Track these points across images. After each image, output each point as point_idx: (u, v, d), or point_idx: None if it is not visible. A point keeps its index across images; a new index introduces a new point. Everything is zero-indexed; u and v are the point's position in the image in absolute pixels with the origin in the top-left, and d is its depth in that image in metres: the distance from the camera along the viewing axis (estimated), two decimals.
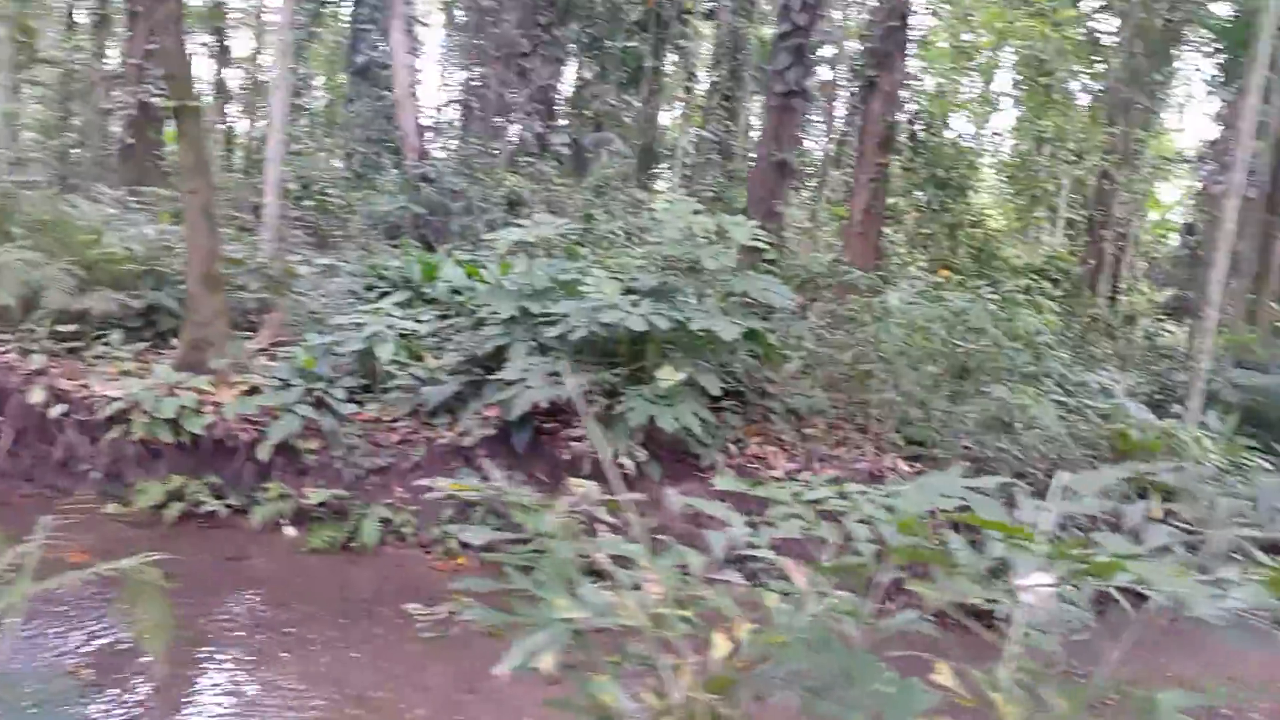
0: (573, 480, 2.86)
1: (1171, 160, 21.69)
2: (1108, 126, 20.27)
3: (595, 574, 2.43)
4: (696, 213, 7.98)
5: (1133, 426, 8.78)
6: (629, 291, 7.97)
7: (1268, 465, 9.37)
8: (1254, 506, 6.26)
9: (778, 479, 7.66)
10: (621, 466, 7.34)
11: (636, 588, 2.46)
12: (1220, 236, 10.18)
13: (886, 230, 14.91)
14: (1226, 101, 20.04)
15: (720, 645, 2.34)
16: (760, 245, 8.21)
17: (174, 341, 8.85)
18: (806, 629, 2.23)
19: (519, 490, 2.71)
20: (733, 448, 8.28)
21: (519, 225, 8.85)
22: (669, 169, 24.74)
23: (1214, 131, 22.43)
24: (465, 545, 7.27)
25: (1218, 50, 18.93)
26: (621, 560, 2.49)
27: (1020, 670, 3.09)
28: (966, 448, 8.31)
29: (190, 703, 5.10)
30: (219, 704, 5.09)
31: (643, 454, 7.44)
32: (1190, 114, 33.01)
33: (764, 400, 8.99)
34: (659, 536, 2.65)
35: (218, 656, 5.60)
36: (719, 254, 7.71)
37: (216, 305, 8.34)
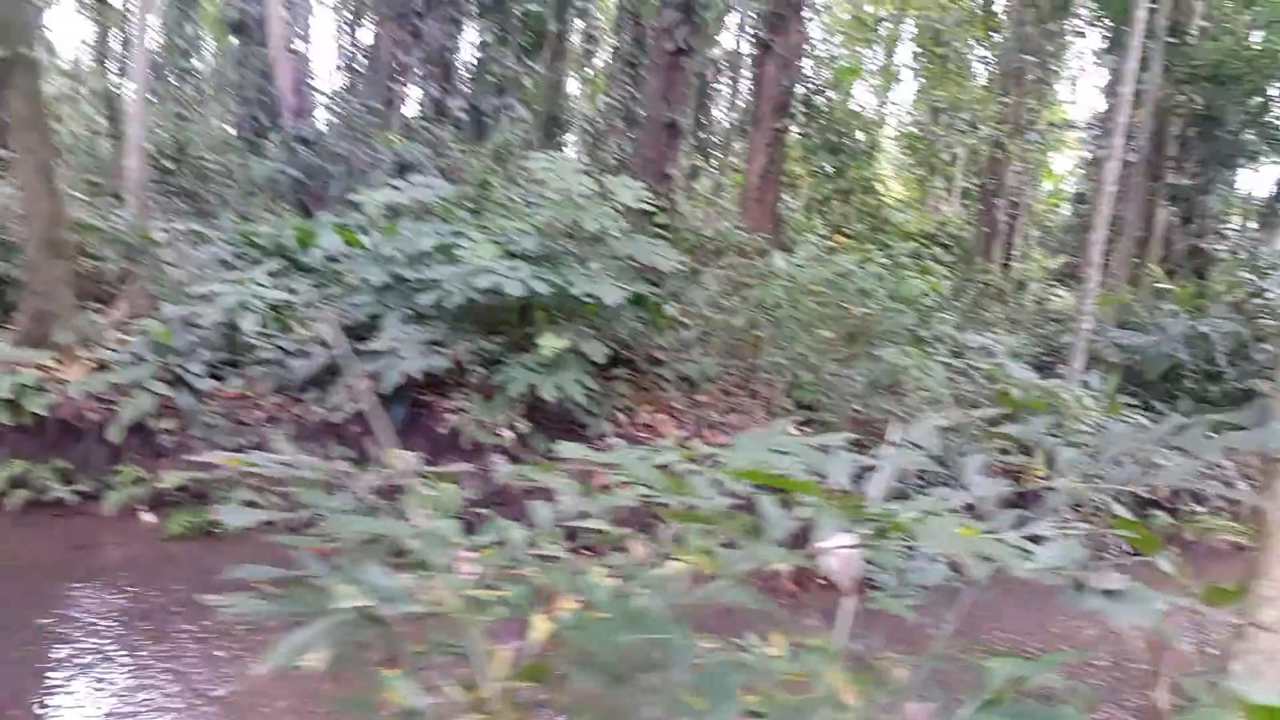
0: (392, 450, 2.57)
1: (1061, 127, 22.17)
2: (1001, 96, 20.60)
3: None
4: (579, 173, 7.65)
5: (1015, 386, 8.85)
6: (511, 256, 7.63)
7: (1145, 422, 9.59)
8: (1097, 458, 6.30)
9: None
10: (502, 439, 7.04)
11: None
12: (1100, 200, 10.33)
13: (784, 196, 14.83)
14: (1113, 71, 20.53)
15: (540, 628, 2.09)
16: (648, 208, 7.95)
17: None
18: (618, 606, 1.97)
19: (309, 461, 2.39)
20: (622, 416, 8.05)
21: (394, 188, 8.39)
22: (574, 136, 24.28)
23: (1103, 103, 23.06)
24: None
25: (1101, 19, 19.35)
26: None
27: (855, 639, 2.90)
28: (855, 410, 8.25)
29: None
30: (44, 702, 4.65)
31: (525, 425, 7.14)
32: (1082, 86, 33.96)
33: (656, 368, 8.78)
34: (484, 510, 2.38)
35: (52, 652, 5.14)
36: (602, 216, 7.42)
37: (60, 274, 7.69)
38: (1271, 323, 11.70)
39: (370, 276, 7.57)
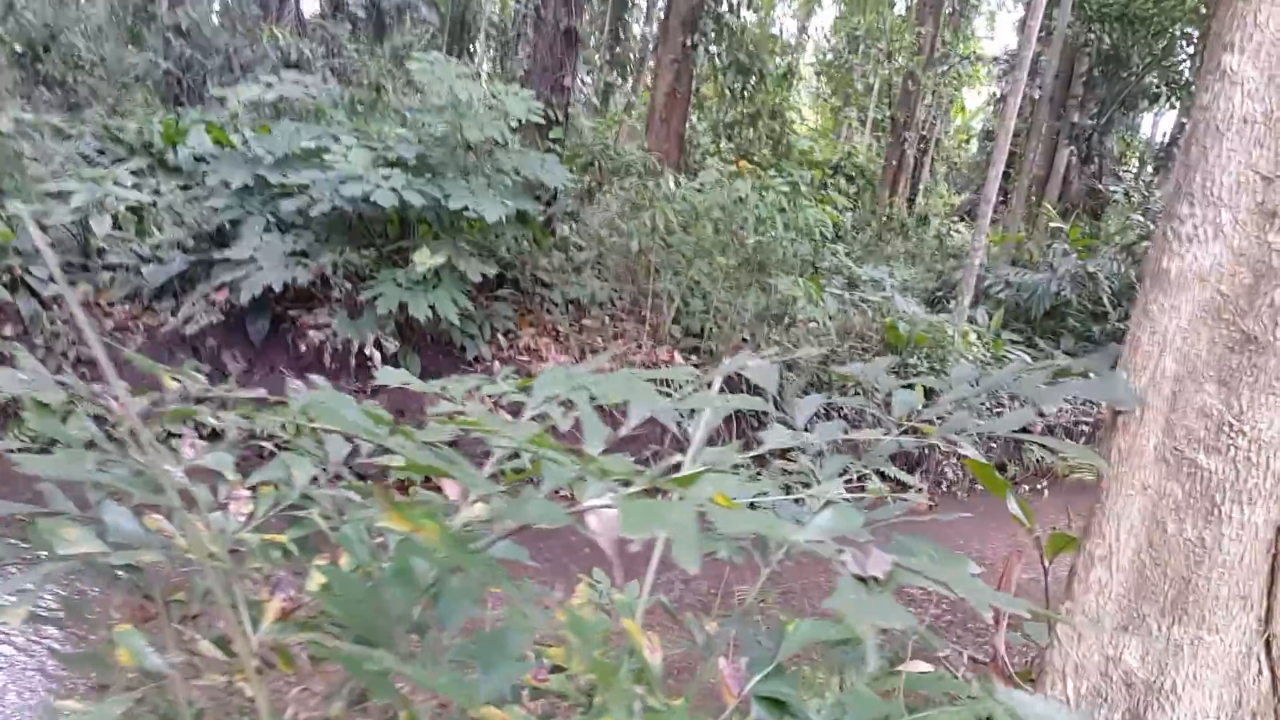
0: (169, 373, 2.26)
1: (973, 61, 22.20)
2: (918, 26, 20.44)
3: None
4: (463, 78, 7.18)
5: (901, 320, 8.85)
6: (388, 164, 7.16)
7: (1028, 359, 9.75)
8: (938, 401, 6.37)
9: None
10: (368, 358, 6.69)
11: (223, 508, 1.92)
12: (1001, 136, 10.30)
13: (692, 118, 14.47)
14: (1026, 5, 20.52)
15: (317, 578, 1.84)
16: (538, 119, 7.54)
17: None
18: (404, 554, 1.72)
19: (47, 379, 2.07)
20: (503, 340, 7.76)
21: (264, 84, 7.78)
22: (483, 43, 23.25)
23: (1017, 39, 23.11)
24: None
25: None
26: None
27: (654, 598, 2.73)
28: (744, 340, 8.13)
29: None
30: None
31: (394, 343, 6.80)
32: (1001, 21, 34.05)
33: (542, 290, 8.47)
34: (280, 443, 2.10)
35: None
36: (486, 125, 6.99)
37: None
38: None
39: (231, 178, 7.03)
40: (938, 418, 2.35)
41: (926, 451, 9.14)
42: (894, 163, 21.60)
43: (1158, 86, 14.35)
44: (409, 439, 1.27)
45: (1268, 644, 1.95)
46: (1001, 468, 9.70)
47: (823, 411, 7.24)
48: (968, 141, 31.91)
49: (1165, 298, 1.93)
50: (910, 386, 2.34)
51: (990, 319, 10.61)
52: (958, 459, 9.42)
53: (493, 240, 7.63)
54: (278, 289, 6.61)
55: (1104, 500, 2.02)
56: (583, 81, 24.23)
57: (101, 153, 9.85)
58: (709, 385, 2.11)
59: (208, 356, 7.03)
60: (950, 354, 8.66)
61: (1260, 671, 1.94)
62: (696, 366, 7.97)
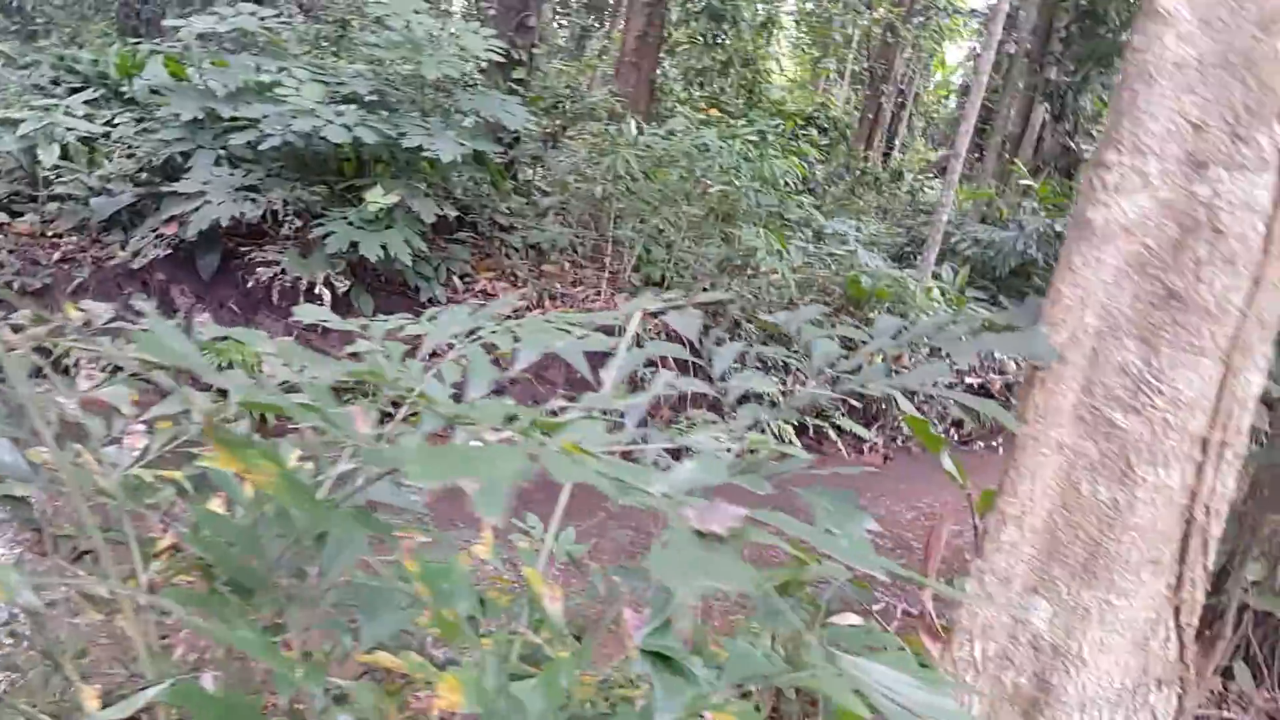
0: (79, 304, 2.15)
1: (952, 13, 21.91)
2: None
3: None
4: (421, 13, 6.96)
5: (865, 274, 8.80)
6: (345, 100, 6.95)
7: (985, 314, 9.76)
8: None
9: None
10: (318, 297, 6.56)
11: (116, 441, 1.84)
12: (974, 91, 10.18)
13: (663, 64, 14.20)
14: None
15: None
16: (497, 57, 7.34)
17: None
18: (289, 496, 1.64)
19: None
20: (459, 282, 7.63)
21: (217, 16, 7.50)
22: None
23: None
24: None
25: None
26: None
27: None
28: (704, 289, 8.05)
29: None
30: None
31: (345, 283, 6.67)
32: None
33: (503, 234, 8.33)
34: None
35: None
36: (444, 63, 6.79)
37: None
38: None
39: (182, 110, 6.80)
40: (857, 369, 2.28)
41: (883, 406, 9.16)
42: (870, 116, 21.40)
43: None
44: (251, 375, 1.20)
45: (1177, 611, 1.92)
46: (959, 424, 9.77)
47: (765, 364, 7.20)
48: (947, 97, 31.64)
49: (1089, 250, 1.87)
50: (834, 337, 2.28)
51: (955, 275, 10.58)
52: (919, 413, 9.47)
53: (449, 181, 7.47)
54: (225, 223, 6.44)
55: (1018, 458, 1.98)
56: (558, 25, 23.74)
57: (56, 83, 9.51)
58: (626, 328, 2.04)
59: (156, 291, 6.87)
60: (911, 309, 8.64)
61: (1168, 639, 1.92)
62: (654, 314, 7.89)
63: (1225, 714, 3.04)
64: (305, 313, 2.65)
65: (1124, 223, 1.83)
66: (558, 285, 8.08)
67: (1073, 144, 14.37)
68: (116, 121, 8.23)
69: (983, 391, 10.16)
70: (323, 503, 1.24)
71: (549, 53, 16.58)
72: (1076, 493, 1.92)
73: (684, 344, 2.25)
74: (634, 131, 7.80)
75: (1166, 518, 1.86)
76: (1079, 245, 1.89)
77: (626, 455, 1.35)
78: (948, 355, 2.01)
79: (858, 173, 18.02)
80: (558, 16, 23.48)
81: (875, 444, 9.11)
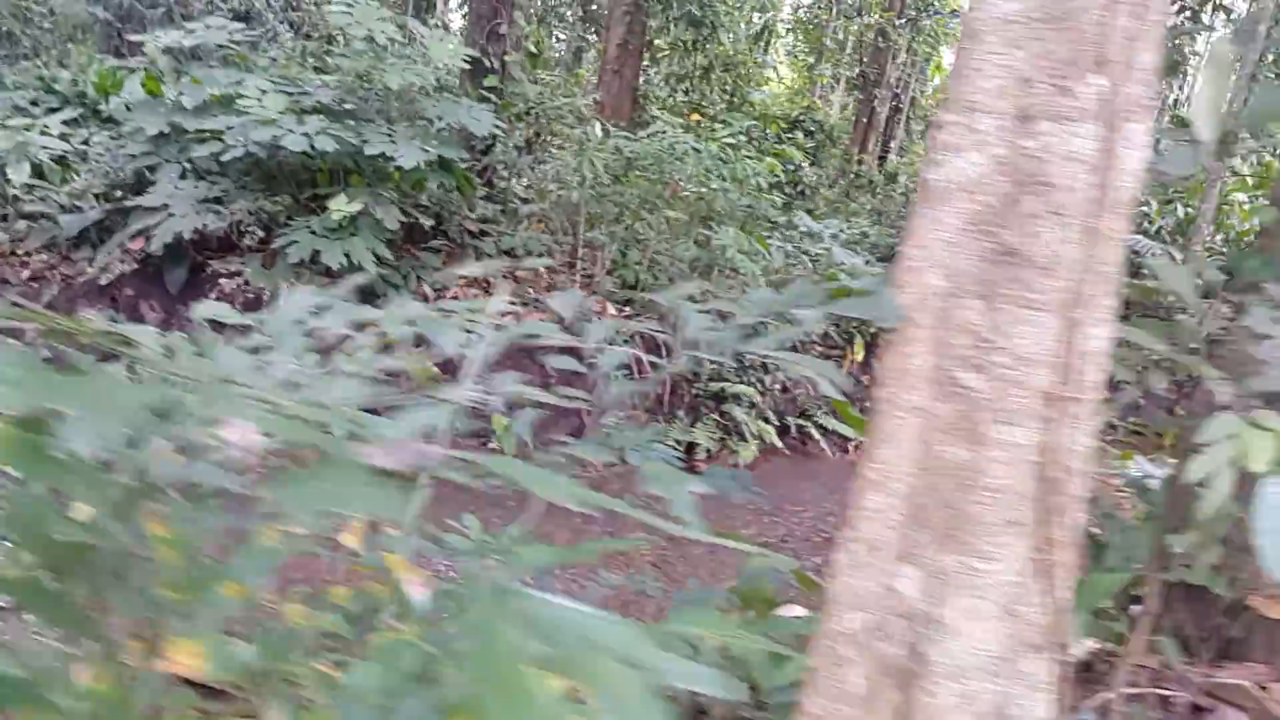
0: None
1: (947, 15, 21.88)
2: None
3: None
4: (384, 20, 7.00)
5: (843, 272, 8.78)
6: (308, 111, 7.00)
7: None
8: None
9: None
10: None
11: None
12: None
13: (649, 71, 14.25)
14: None
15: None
16: (464, 64, 7.38)
17: None
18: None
19: None
20: (429, 290, 7.65)
21: (184, 30, 7.59)
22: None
23: None
24: None
25: None
26: None
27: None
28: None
29: None
30: None
31: None
32: None
33: (477, 240, 8.36)
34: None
35: None
36: (407, 70, 6.83)
37: None
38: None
39: (148, 125, 6.86)
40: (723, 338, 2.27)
41: (869, 405, 9.10)
42: (864, 120, 21.38)
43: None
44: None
45: (1047, 574, 1.89)
46: None
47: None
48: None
49: (930, 210, 1.85)
50: (709, 311, 2.27)
51: None
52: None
53: (418, 189, 7.50)
54: (188, 236, 6.48)
55: (878, 423, 1.95)
56: (556, 39, 23.86)
57: (35, 104, 9.63)
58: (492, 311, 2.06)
59: (125, 306, 6.91)
60: None
61: (1039, 603, 1.88)
62: (628, 318, 7.89)
63: (1163, 692, 2.99)
64: (202, 310, 2.66)
65: (960, 181, 1.80)
66: (531, 290, 8.08)
67: None
68: (92, 140, 8.32)
69: None
70: (57, 462, 1.23)
71: (549, 63, 16.67)
72: (934, 456, 1.89)
73: (563, 324, 2.25)
74: (599, 134, 7.81)
75: (1021, 477, 1.82)
76: (922, 206, 1.86)
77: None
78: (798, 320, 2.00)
79: (851, 175, 18.00)
80: (555, 30, 23.60)
81: (861, 442, 9.04)
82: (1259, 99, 2.38)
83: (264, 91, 6.78)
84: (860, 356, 8.60)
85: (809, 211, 12.91)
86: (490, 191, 8.74)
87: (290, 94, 6.87)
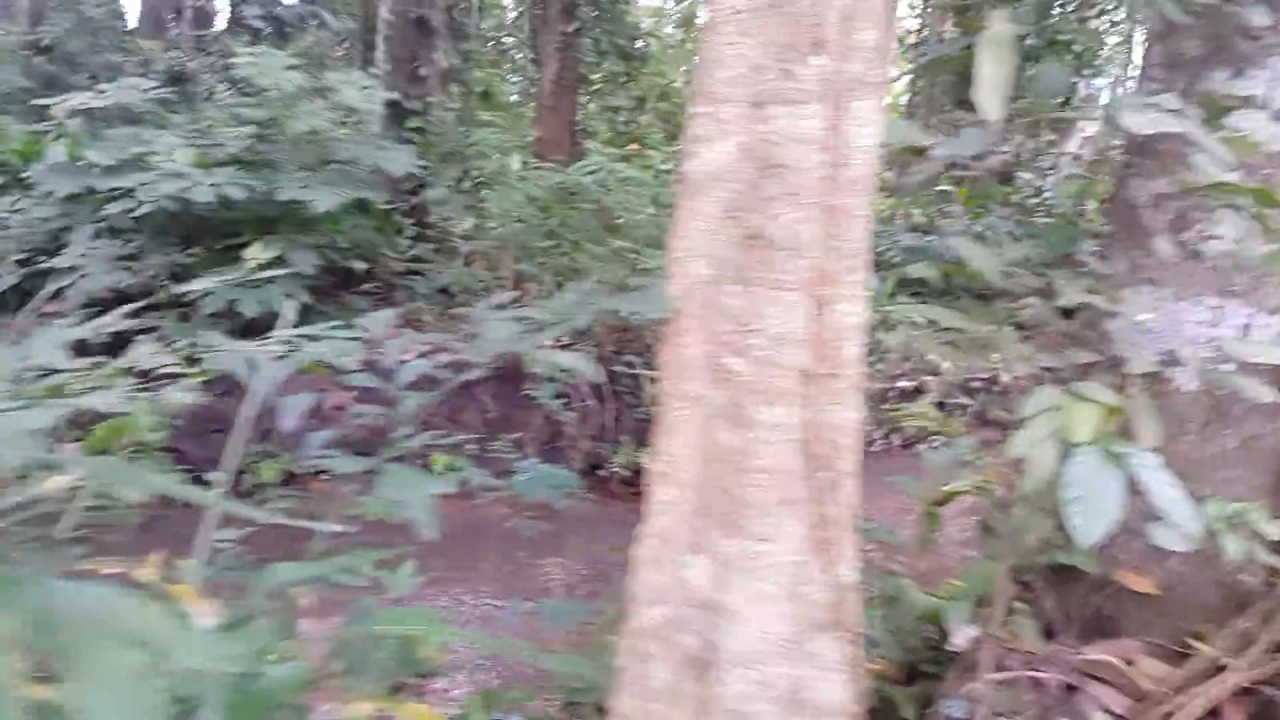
0: None
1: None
2: None
3: None
4: (289, 69, 7.06)
5: None
6: (221, 163, 7.02)
7: (917, 320, 9.75)
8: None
9: None
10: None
11: None
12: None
13: (590, 106, 14.40)
14: None
15: None
16: (374, 106, 7.44)
17: None
18: None
19: None
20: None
21: (96, 92, 7.62)
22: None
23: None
24: None
25: None
26: None
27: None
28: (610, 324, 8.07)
29: None
30: None
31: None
32: None
33: (408, 280, 8.37)
34: None
35: None
36: (311, 115, 6.88)
37: None
38: (1047, 220, 12.03)
39: (59, 188, 6.87)
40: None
41: None
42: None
43: (1039, 46, 14.43)
44: None
45: (824, 552, 1.89)
46: (898, 429, 9.71)
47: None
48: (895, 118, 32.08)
49: (690, 201, 1.88)
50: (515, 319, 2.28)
51: (882, 284, 10.62)
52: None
53: (341, 233, 7.52)
54: (100, 294, 6.45)
55: (663, 415, 1.96)
56: (511, 81, 24.03)
57: None
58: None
59: None
60: None
61: (817, 582, 1.89)
62: (564, 348, 7.90)
63: (1033, 674, 2.99)
64: (39, 350, 2.65)
65: (712, 171, 1.83)
66: (464, 328, 8.08)
67: (992, 147, 14.50)
68: (17, 207, 8.30)
69: (916, 393, 10.15)
70: None
71: (505, 106, 16.73)
72: (713, 442, 1.90)
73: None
74: (516, 167, 7.86)
75: (788, 456, 1.84)
76: (683, 198, 1.90)
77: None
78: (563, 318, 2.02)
79: None
80: (509, 74, 23.78)
81: None
82: (1040, 77, 2.44)
83: (174, 148, 6.80)
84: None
85: None
86: (421, 231, 8.77)
87: (200, 147, 6.90)
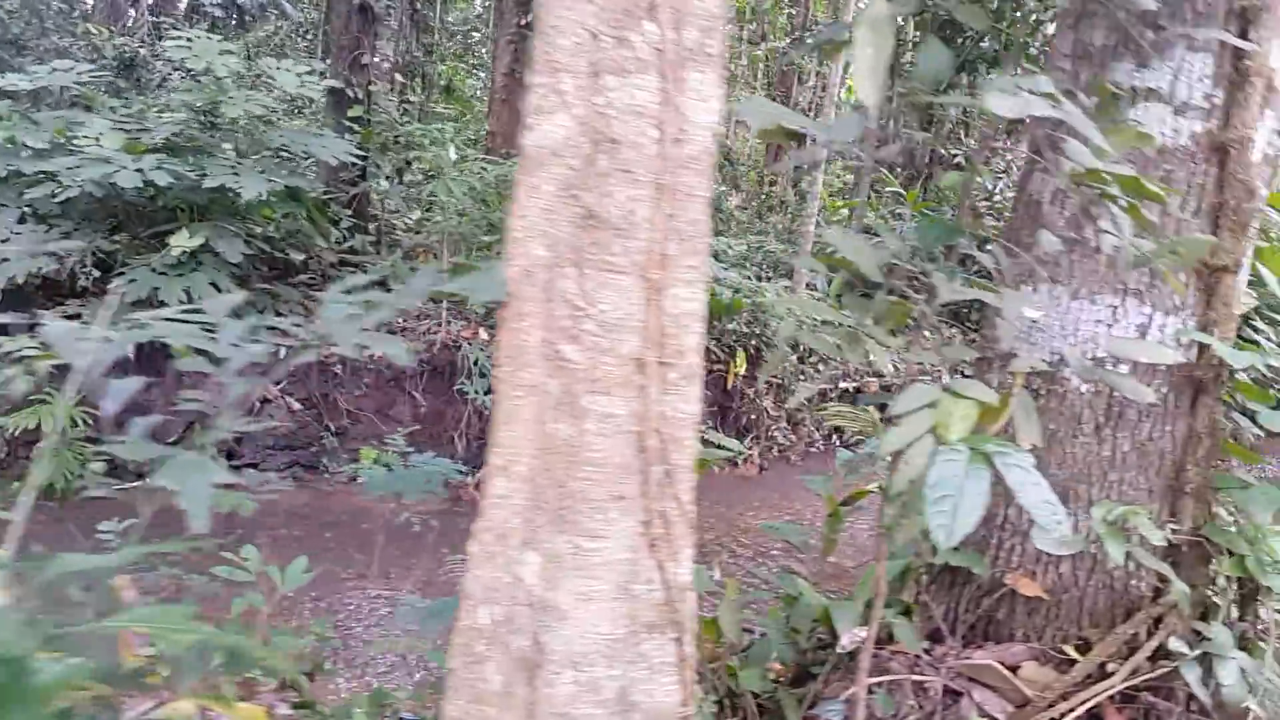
0: None
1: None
2: (789, 6, 20.50)
3: None
4: (224, 54, 6.90)
5: (726, 287, 8.83)
6: (163, 148, 6.83)
7: (848, 320, 9.76)
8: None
9: None
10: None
11: None
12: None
13: None
14: None
15: None
16: (314, 94, 7.29)
17: None
18: None
19: None
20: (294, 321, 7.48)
21: (25, 75, 7.41)
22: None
23: None
24: None
25: None
26: None
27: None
28: None
29: None
30: None
31: None
32: None
33: (343, 271, 8.22)
34: None
35: None
36: (246, 101, 6.72)
37: None
38: (995, 224, 12.10)
39: None
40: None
41: (754, 418, 9.10)
42: (775, 144, 21.55)
43: (995, 50, 14.47)
44: None
45: (657, 550, 1.80)
46: (839, 430, 9.70)
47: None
48: None
49: (527, 177, 1.78)
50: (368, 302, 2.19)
51: (827, 286, 10.63)
52: (788, 423, 9.39)
53: (271, 222, 7.36)
54: (22, 281, 6.28)
55: (498, 405, 1.86)
56: (477, 75, 23.86)
57: None
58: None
59: None
60: (771, 317, 8.68)
61: (649, 581, 1.80)
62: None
63: (915, 678, 2.93)
64: None
65: (550, 145, 1.74)
66: (399, 319, 7.96)
67: (943, 150, 14.64)
68: None
69: (857, 394, 10.14)
70: None
71: (469, 100, 16.56)
72: (547, 434, 1.81)
73: None
74: (452, 158, 7.73)
75: (621, 449, 1.75)
76: (521, 175, 1.80)
77: None
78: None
79: (762, 197, 18.16)
80: (474, 68, 23.60)
81: (750, 455, 9.02)
82: (921, 60, 2.37)
83: (102, 131, 6.62)
84: (743, 370, 8.59)
85: (718, 234, 12.97)
86: (360, 222, 8.62)
87: (128, 131, 6.72)
